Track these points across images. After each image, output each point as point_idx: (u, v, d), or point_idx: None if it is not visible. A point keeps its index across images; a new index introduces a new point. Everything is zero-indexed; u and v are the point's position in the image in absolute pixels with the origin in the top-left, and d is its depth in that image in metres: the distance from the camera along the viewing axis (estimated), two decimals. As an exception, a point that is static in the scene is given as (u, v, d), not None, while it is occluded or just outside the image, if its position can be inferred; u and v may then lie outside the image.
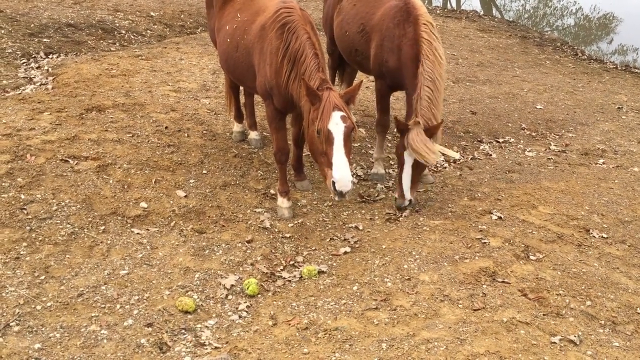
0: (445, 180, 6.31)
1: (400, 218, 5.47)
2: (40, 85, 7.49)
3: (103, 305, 4.15)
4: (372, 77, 7.08)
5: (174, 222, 5.12)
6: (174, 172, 5.72)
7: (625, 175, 6.62)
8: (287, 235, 5.19)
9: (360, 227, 5.33)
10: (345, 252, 4.97)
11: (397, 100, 7.95)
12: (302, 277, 4.69)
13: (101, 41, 9.53)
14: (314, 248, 5.06)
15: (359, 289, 4.45)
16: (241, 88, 6.49)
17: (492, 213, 5.53)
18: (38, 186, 5.16)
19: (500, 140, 7.59)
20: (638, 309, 4.33)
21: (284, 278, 4.68)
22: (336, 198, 4.69)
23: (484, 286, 4.45)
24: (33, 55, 8.46)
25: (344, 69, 7.43)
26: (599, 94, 9.71)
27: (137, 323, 4.03)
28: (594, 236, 5.29)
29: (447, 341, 3.82)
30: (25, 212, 4.87)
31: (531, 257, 4.86)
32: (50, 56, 8.56)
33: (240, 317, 4.25)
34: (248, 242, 5.01)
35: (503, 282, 4.52)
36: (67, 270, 4.43)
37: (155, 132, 6.29)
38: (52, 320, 3.96)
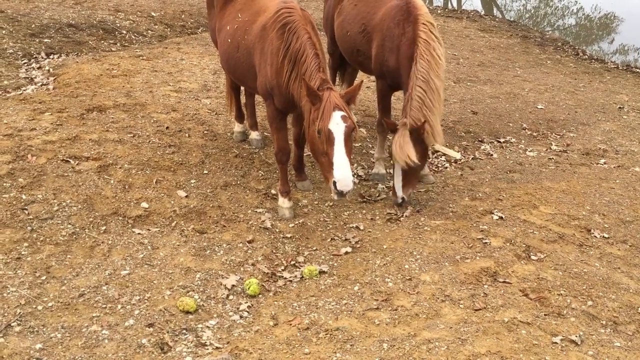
0: (447, 180, 6.31)
1: (402, 218, 5.47)
2: (41, 85, 7.50)
3: (104, 306, 4.15)
4: (373, 77, 7.08)
5: (175, 222, 5.13)
6: (175, 172, 5.72)
7: (626, 175, 6.61)
8: (288, 235, 5.19)
9: (361, 227, 5.33)
10: (346, 252, 4.97)
11: (399, 100, 7.94)
12: (303, 277, 4.69)
13: (102, 41, 9.53)
14: (315, 248, 5.06)
15: (360, 289, 4.45)
16: (242, 88, 6.49)
17: (493, 213, 5.53)
18: (39, 186, 5.16)
19: (502, 140, 7.59)
20: (639, 309, 4.32)
21: (285, 278, 4.68)
22: (336, 197, 4.69)
23: (485, 286, 4.45)
24: (34, 56, 8.47)
25: (344, 69, 7.43)
26: (600, 94, 9.70)
27: (138, 323, 4.03)
28: (595, 236, 5.28)
29: (448, 341, 3.81)
30: (27, 212, 4.87)
31: (532, 257, 4.86)
32: (51, 56, 8.56)
33: (241, 317, 4.25)
34: (249, 242, 5.01)
35: (504, 282, 4.52)
36: (68, 270, 4.43)
37: (156, 133, 6.29)
38: (53, 321, 3.97)
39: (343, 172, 4.56)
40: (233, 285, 4.49)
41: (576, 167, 6.79)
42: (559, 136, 7.84)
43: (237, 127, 6.60)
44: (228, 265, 4.71)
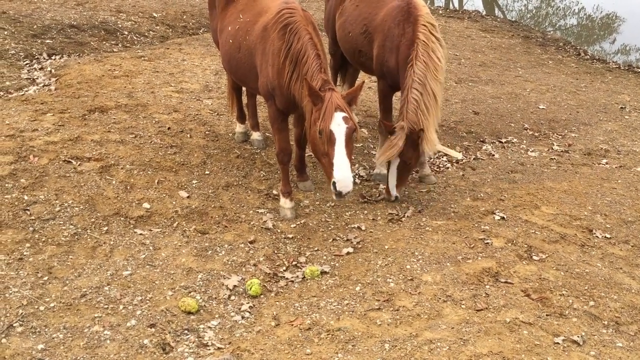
0: (448, 181, 6.30)
1: (403, 218, 5.47)
2: (43, 86, 7.51)
3: (106, 306, 4.16)
4: (374, 78, 7.09)
5: (176, 222, 5.13)
6: (176, 173, 5.73)
7: (628, 175, 6.60)
8: (290, 235, 5.19)
9: (363, 228, 5.33)
10: (348, 253, 4.97)
11: (400, 101, 7.94)
12: (304, 277, 4.69)
13: (104, 42, 9.55)
14: (316, 248, 5.06)
15: (362, 289, 4.45)
16: (244, 89, 6.49)
17: (494, 213, 5.52)
18: (41, 187, 5.17)
19: (503, 140, 7.58)
20: (641, 309, 4.32)
21: (287, 278, 4.68)
22: (336, 198, 4.71)
23: (487, 286, 4.45)
24: (36, 57, 8.49)
25: (346, 69, 7.43)
26: (602, 94, 9.69)
27: (140, 324, 4.04)
28: (597, 236, 5.28)
29: (449, 342, 3.81)
30: (29, 213, 4.88)
31: (534, 258, 4.85)
32: (53, 57, 8.58)
33: (243, 317, 4.25)
34: (251, 242, 5.01)
35: (506, 282, 4.51)
36: (70, 271, 4.44)
37: (158, 133, 6.30)
38: (55, 321, 3.97)
39: (343, 173, 4.57)
40: (235, 286, 4.49)
41: (578, 167, 6.78)
42: (560, 136, 7.83)
43: (239, 128, 6.61)
44: (230, 266, 4.72)
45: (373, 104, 8.06)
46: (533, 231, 5.25)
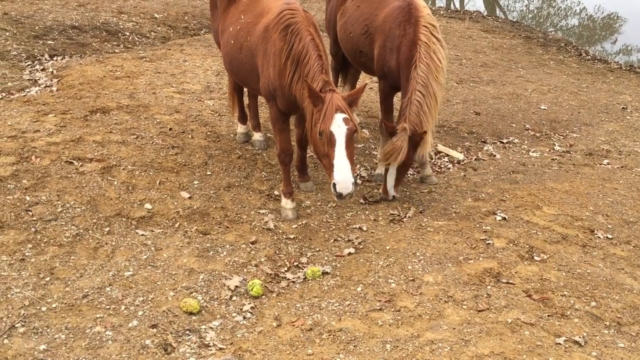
0: (449, 181, 6.30)
1: (404, 219, 5.47)
2: (44, 87, 7.52)
3: (108, 307, 4.16)
4: (375, 78, 7.09)
5: (178, 223, 5.14)
6: (178, 174, 5.74)
7: (630, 175, 6.60)
8: (291, 236, 5.19)
9: (364, 228, 5.33)
10: (349, 253, 4.97)
11: (401, 101, 7.94)
12: (306, 278, 4.69)
13: (105, 43, 9.56)
14: (317, 249, 5.06)
15: (363, 290, 4.45)
16: (245, 89, 6.50)
17: (496, 214, 5.52)
18: (43, 188, 5.18)
19: (504, 140, 7.58)
20: (643, 309, 4.32)
21: (288, 279, 4.68)
22: (336, 199, 4.72)
23: (489, 287, 4.45)
24: (38, 58, 8.50)
25: (347, 70, 7.43)
26: (603, 94, 9.68)
27: (142, 324, 4.05)
28: (598, 237, 5.27)
29: (451, 342, 3.81)
30: (30, 213, 4.89)
31: (535, 258, 4.85)
32: (54, 58, 8.59)
33: (244, 318, 4.25)
34: (252, 243, 5.02)
35: (507, 283, 4.51)
36: (72, 271, 4.44)
37: (160, 134, 6.31)
38: (57, 322, 3.98)
39: (343, 175, 4.58)
40: (236, 286, 4.50)
41: (579, 167, 6.78)
42: (562, 137, 7.82)
43: (240, 129, 6.61)
44: (231, 266, 4.72)
45: (374, 104, 8.06)
46: (534, 232, 5.25)
